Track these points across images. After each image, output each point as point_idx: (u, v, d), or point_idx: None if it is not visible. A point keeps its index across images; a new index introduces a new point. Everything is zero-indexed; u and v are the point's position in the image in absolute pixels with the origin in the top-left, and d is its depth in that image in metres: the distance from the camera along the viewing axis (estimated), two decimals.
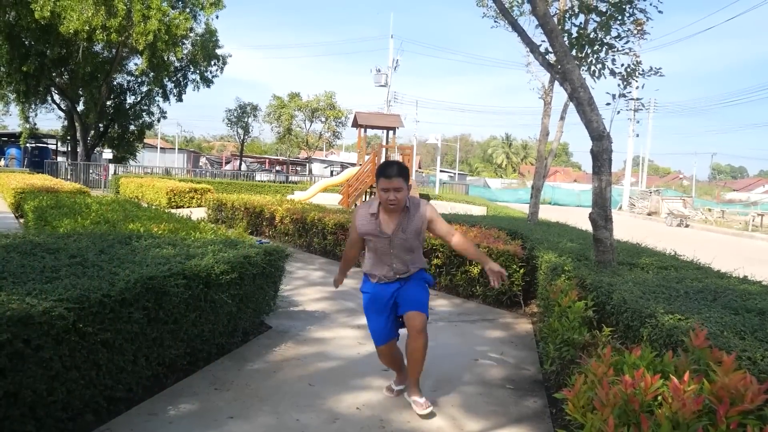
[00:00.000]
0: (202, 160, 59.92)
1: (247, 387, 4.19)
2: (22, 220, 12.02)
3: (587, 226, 7.99)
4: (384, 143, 21.86)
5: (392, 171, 3.78)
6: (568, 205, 38.23)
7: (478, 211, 20.27)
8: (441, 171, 39.45)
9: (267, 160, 55.90)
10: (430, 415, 3.89)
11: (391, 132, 22.05)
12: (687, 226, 26.61)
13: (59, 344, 3.06)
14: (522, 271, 7.33)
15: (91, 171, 30.51)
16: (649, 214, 31.75)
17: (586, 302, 4.51)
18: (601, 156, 5.79)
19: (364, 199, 19.90)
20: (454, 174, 53.64)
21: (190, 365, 4.37)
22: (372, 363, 4.87)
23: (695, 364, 2.81)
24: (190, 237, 5.58)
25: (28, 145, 35.33)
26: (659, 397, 2.43)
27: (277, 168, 49.44)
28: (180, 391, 4.01)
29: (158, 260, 4.22)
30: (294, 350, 5.10)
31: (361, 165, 20.67)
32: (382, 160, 19.55)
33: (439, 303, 7.36)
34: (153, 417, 3.62)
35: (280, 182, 33.79)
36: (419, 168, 56.27)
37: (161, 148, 57.33)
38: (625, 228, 16.85)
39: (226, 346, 4.86)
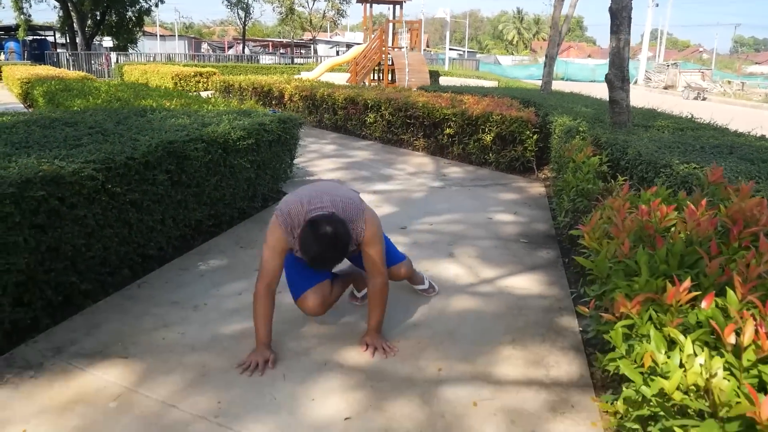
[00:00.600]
0: (204, 47, 58.39)
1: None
2: (31, 109, 12.00)
3: (602, 95, 7.92)
4: (390, 18, 21.16)
5: (331, 265, 2.74)
6: (581, 81, 37.36)
7: (489, 85, 19.93)
8: (450, 49, 38.30)
9: (270, 43, 54.42)
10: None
11: (397, 7, 21.30)
12: (704, 99, 26.04)
13: (91, 203, 3.18)
14: (535, 137, 7.33)
15: (92, 61, 29.95)
16: (665, 88, 31.03)
17: (600, 157, 4.56)
18: (620, 14, 5.63)
19: (372, 78, 19.57)
20: (464, 52, 52.11)
21: (215, 227, 4.53)
22: (390, 222, 5.01)
23: (710, 197, 2.88)
24: (204, 109, 5.59)
25: (26, 38, 34.52)
26: (673, 228, 2.53)
27: (281, 51, 48.18)
28: (208, 250, 4.18)
29: (176, 128, 4.26)
30: None
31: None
32: (390, 36, 19.02)
33: (452, 170, 7.44)
34: (184, 271, 3.81)
35: (285, 64, 33.10)
36: (427, 47, 54.65)
37: (161, 35, 55.73)
38: (639, 100, 16.58)
39: (247, 211, 5.01)
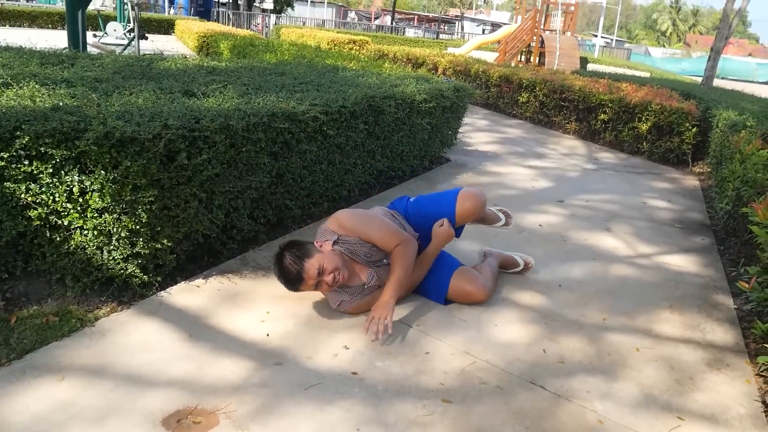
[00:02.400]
0: (351, 15, 59.97)
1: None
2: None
3: (765, 95, 7.72)
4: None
5: (296, 284, 2.72)
6: (739, 80, 34.99)
7: (642, 75, 19.33)
8: (600, 37, 37.05)
9: (416, 17, 55.06)
10: None
11: None
12: None
13: (311, 141, 3.76)
14: (694, 130, 7.31)
15: (251, 21, 31.80)
16: None
17: None
18: None
19: (519, 59, 19.55)
20: (612, 39, 50.18)
21: (390, 180, 5.06)
22: (547, 195, 5.34)
23: None
24: (385, 72, 6.12)
25: None
26: None
27: (426, 25, 48.64)
28: (385, 197, 4.71)
29: (371, 86, 4.80)
30: (475, 179, 5.66)
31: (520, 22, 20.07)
32: (544, 16, 18.86)
33: (604, 155, 7.58)
34: None
35: (431, 39, 33.53)
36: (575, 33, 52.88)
37: (311, 1, 57.77)
38: None
39: (417, 169, 5.51)
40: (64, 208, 2.70)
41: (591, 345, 2.83)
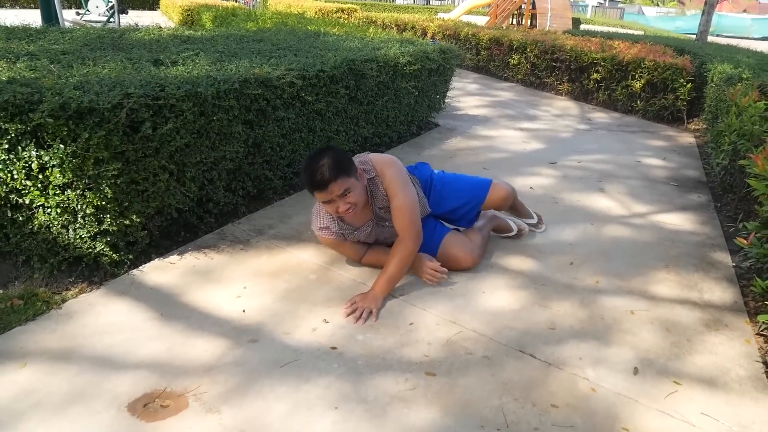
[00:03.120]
0: None
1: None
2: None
3: (763, 48, 7.52)
4: None
5: (321, 177, 2.44)
6: (734, 37, 34.53)
7: (636, 33, 19.01)
8: None
9: None
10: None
11: None
12: None
13: (288, 108, 3.60)
14: (689, 86, 7.12)
15: None
16: None
17: (766, 103, 4.47)
18: None
19: (511, 22, 19.19)
20: (605, 0, 49.47)
21: (376, 147, 4.90)
22: (538, 157, 5.20)
23: None
24: (368, 37, 5.92)
25: None
26: None
27: None
28: None
29: (352, 49, 4.61)
30: (464, 143, 5.50)
31: None
32: None
33: (598, 116, 7.41)
34: None
35: (422, 5, 32.98)
36: None
37: None
38: None
39: (404, 136, 5.35)
40: (24, 185, 2.55)
41: (583, 309, 2.71)
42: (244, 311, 2.52)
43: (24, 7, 20.78)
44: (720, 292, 2.97)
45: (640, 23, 29.96)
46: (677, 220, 3.92)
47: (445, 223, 3.15)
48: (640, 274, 3.09)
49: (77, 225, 2.65)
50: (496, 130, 6.17)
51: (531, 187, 4.37)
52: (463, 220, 3.17)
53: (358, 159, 2.69)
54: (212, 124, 3.02)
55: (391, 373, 2.17)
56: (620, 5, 47.84)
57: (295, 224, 3.45)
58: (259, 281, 2.79)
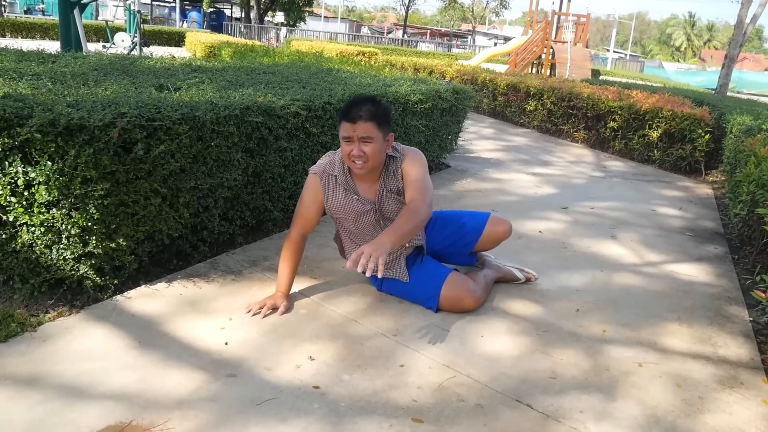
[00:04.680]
0: (364, 30, 60.26)
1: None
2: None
3: None
4: (557, 11, 20.71)
5: (357, 111, 2.50)
6: (755, 94, 34.47)
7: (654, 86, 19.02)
8: (613, 51, 36.75)
9: (428, 31, 55.07)
10: None
11: None
12: None
13: (291, 138, 3.52)
14: (707, 137, 7.01)
15: (263, 35, 31.96)
16: None
17: None
18: None
19: (530, 71, 19.31)
20: (625, 54, 49.88)
21: None
22: (550, 202, 5.07)
23: None
24: (381, 75, 5.89)
25: (207, 10, 37.65)
26: None
27: (438, 39, 48.61)
28: None
29: (363, 85, 4.56)
30: (474, 185, 5.39)
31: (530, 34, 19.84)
32: (555, 28, 18.63)
33: (613, 164, 7.29)
34: None
35: (443, 52, 33.43)
36: (587, 46, 52.76)
37: (324, 17, 58.22)
38: None
39: None
40: (8, 202, 2.46)
41: (587, 359, 2.54)
42: (226, 344, 2.39)
43: (54, 39, 21.31)
44: (735, 348, 2.79)
45: (660, 77, 30.05)
46: (692, 271, 3.75)
47: (447, 264, 3.02)
48: (650, 325, 2.93)
49: (61, 245, 2.55)
50: (508, 173, 6.06)
51: (540, 231, 4.23)
52: (461, 254, 3.08)
53: (393, 143, 2.74)
54: (210, 149, 2.94)
55: (375, 417, 2.01)
56: (641, 59, 48.20)
57: None
58: (246, 314, 2.66)
